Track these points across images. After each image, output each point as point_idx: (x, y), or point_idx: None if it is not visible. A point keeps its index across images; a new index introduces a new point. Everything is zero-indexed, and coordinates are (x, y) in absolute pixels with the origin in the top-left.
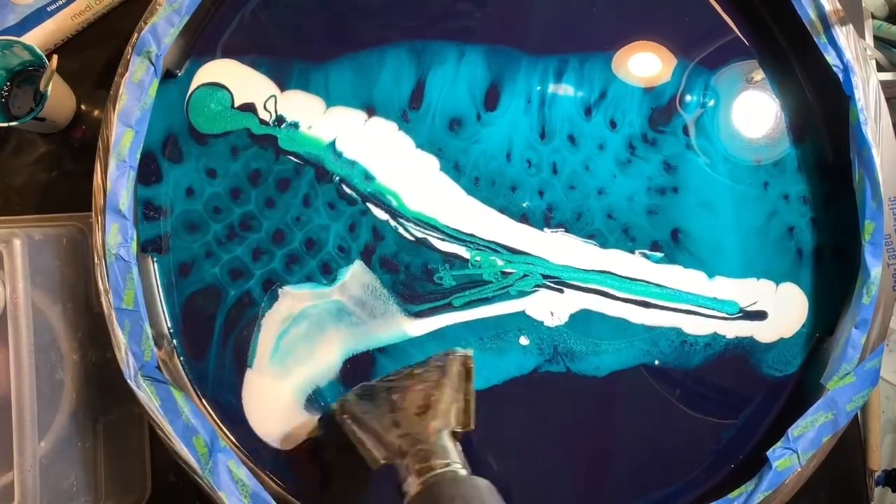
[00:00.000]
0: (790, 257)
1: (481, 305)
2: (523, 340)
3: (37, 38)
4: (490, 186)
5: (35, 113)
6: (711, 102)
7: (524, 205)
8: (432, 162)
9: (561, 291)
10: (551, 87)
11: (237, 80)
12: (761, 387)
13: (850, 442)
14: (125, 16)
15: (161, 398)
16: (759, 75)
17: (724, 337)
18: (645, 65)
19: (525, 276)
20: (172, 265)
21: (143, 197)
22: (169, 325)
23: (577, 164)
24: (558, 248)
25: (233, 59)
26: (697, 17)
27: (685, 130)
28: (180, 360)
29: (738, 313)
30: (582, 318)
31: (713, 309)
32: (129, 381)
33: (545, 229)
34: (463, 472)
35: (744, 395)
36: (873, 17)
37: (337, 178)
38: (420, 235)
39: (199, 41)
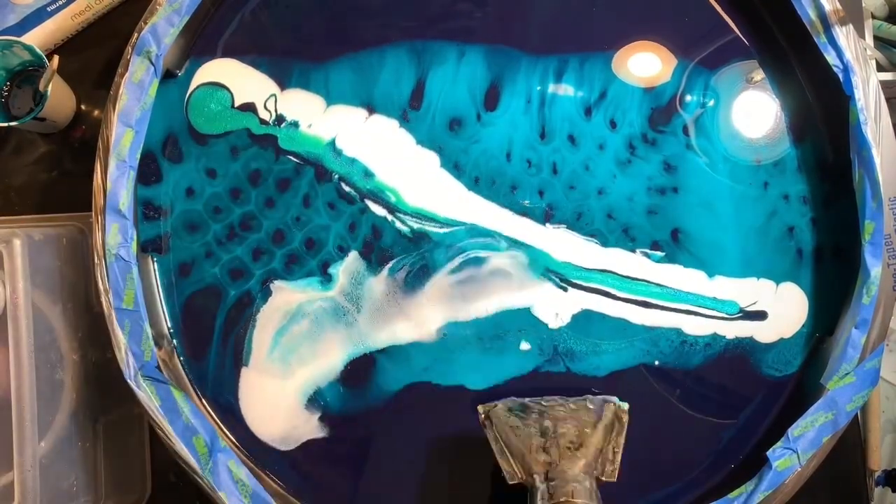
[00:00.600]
0: (790, 257)
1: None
2: (524, 346)
3: (37, 38)
4: (490, 186)
5: (35, 113)
6: (711, 102)
7: (525, 203)
8: (432, 158)
9: (565, 290)
10: (551, 87)
11: (237, 79)
12: (761, 387)
13: (850, 442)
14: (125, 16)
15: (161, 398)
16: (759, 75)
17: (724, 337)
18: (645, 65)
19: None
20: (172, 265)
21: (143, 197)
22: (169, 325)
23: (577, 164)
24: (560, 244)
25: (233, 58)
26: (697, 17)
27: (685, 130)
28: (180, 360)
29: (738, 313)
30: (582, 318)
31: (713, 309)
32: (129, 381)
33: (546, 224)
34: None
35: (744, 395)
36: (873, 17)
37: (336, 177)
38: (417, 227)
39: (199, 41)
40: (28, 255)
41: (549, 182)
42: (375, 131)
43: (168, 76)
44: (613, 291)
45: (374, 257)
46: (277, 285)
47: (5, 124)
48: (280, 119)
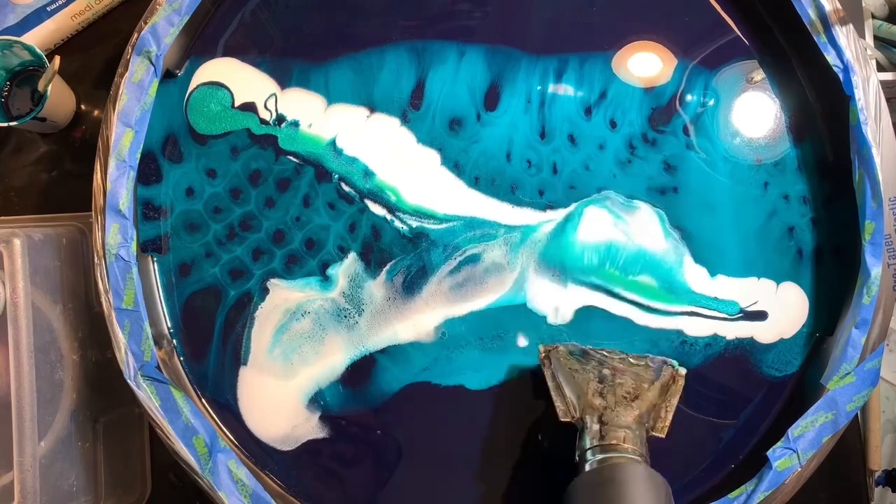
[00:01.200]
0: (790, 257)
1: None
2: (522, 343)
3: (37, 38)
4: (490, 186)
5: (35, 113)
6: (711, 102)
7: (525, 201)
8: (433, 157)
9: (564, 284)
10: (551, 87)
11: (237, 78)
12: (761, 387)
13: (850, 442)
14: (125, 16)
15: (161, 398)
16: (759, 75)
17: (724, 337)
18: (645, 65)
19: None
20: (172, 265)
21: (143, 197)
22: (169, 325)
23: (577, 163)
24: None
25: (233, 58)
26: (697, 17)
27: (685, 130)
28: (180, 360)
29: (739, 313)
30: (583, 318)
31: (714, 309)
32: (129, 381)
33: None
34: (649, 468)
35: (744, 395)
36: (873, 17)
37: (336, 177)
38: (416, 226)
39: (199, 41)
40: (28, 255)
41: (550, 182)
42: (376, 130)
43: (168, 76)
44: (616, 289)
45: (374, 258)
46: (277, 284)
47: (5, 124)
48: (280, 119)
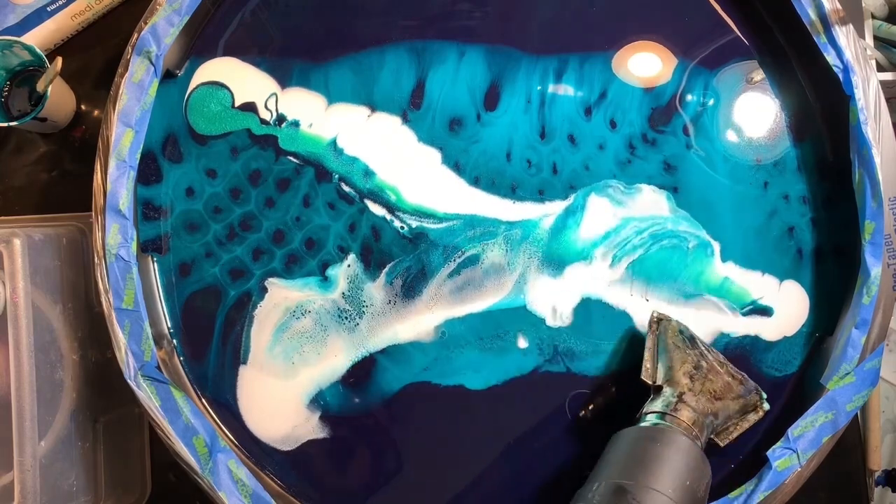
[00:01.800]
0: (790, 257)
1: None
2: (522, 343)
3: (37, 38)
4: (490, 186)
5: (35, 113)
6: (711, 102)
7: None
8: (434, 155)
9: (565, 282)
10: (551, 87)
11: (237, 78)
12: (761, 387)
13: (850, 442)
14: (125, 16)
15: (161, 398)
16: (759, 75)
17: (728, 335)
18: (645, 65)
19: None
20: (172, 265)
21: (143, 197)
22: (169, 325)
23: (577, 163)
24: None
25: (233, 57)
26: (697, 17)
27: (685, 130)
28: (180, 360)
29: (747, 306)
30: (583, 318)
31: (722, 299)
32: (129, 381)
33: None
34: (699, 449)
35: None
36: (873, 17)
37: (336, 177)
38: (416, 225)
39: (199, 41)
40: (28, 255)
41: (549, 182)
42: (376, 130)
43: (168, 76)
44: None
45: (374, 259)
46: (277, 284)
47: (5, 124)
48: (281, 119)
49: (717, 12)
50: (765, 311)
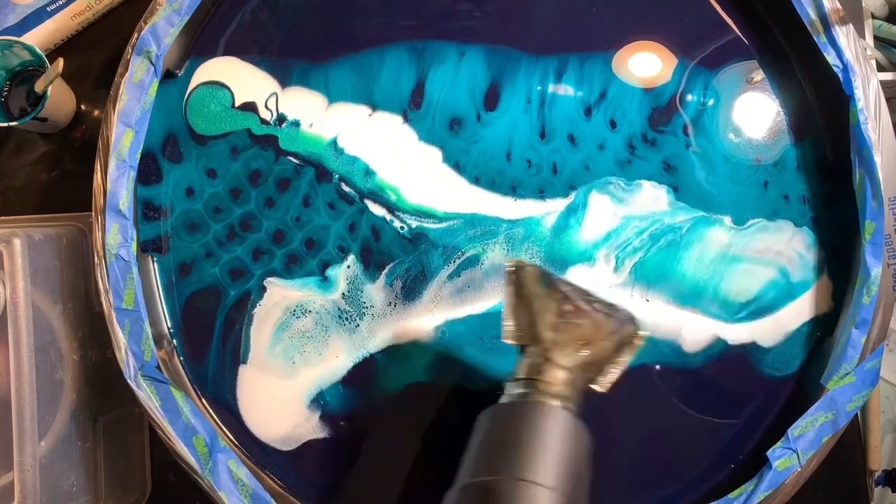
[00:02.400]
0: None
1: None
2: None
3: (37, 38)
4: (490, 185)
5: (35, 113)
6: (711, 102)
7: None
8: (435, 155)
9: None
10: (551, 87)
11: (237, 78)
12: (761, 387)
13: (850, 442)
14: (125, 16)
15: (161, 398)
16: (759, 75)
17: (726, 338)
18: (645, 65)
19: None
20: (172, 265)
21: (143, 197)
22: (169, 325)
23: (577, 163)
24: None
25: (233, 56)
26: (697, 17)
27: (685, 130)
28: (180, 360)
29: (747, 307)
30: None
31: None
32: (129, 381)
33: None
34: (571, 416)
35: (744, 394)
36: (873, 17)
37: (336, 177)
38: (416, 225)
39: (199, 41)
40: (28, 255)
41: (549, 182)
42: (377, 129)
43: (168, 76)
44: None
45: (374, 260)
46: (275, 283)
47: (5, 124)
48: (281, 119)
49: (717, 12)
50: (763, 312)
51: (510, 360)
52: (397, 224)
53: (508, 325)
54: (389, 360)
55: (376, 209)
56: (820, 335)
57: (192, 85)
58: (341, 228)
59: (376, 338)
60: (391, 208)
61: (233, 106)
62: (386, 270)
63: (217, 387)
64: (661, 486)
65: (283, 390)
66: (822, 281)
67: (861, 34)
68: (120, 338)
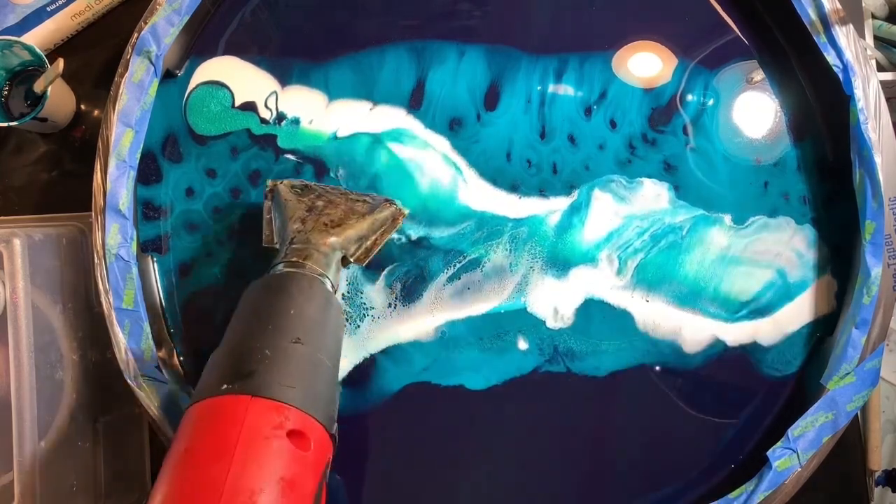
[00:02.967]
0: None
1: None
2: (522, 344)
3: (37, 38)
4: (492, 185)
5: (35, 113)
6: (711, 102)
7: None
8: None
9: (568, 282)
10: (551, 87)
11: (237, 77)
12: (761, 387)
13: (850, 442)
14: (125, 16)
15: (161, 398)
16: (759, 75)
17: (725, 336)
18: (645, 65)
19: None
20: (172, 265)
21: (143, 197)
22: (169, 325)
23: (578, 163)
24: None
25: (233, 56)
26: (697, 17)
27: (685, 130)
28: (180, 361)
29: (746, 307)
30: (584, 319)
31: (718, 306)
32: (129, 381)
33: (549, 197)
34: (330, 288)
35: (744, 394)
36: (873, 17)
37: (336, 174)
38: (417, 226)
39: (200, 41)
40: (28, 255)
41: (550, 182)
42: (377, 127)
43: (168, 76)
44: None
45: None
46: None
47: (5, 124)
48: (281, 117)
49: (717, 12)
50: (764, 312)
51: (511, 360)
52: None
53: (265, 233)
54: (389, 360)
55: None
56: (820, 335)
57: (192, 85)
58: None
59: (376, 339)
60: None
61: (233, 106)
62: (385, 272)
63: None
64: (661, 486)
65: None
66: (822, 281)
67: (861, 34)
68: (120, 338)
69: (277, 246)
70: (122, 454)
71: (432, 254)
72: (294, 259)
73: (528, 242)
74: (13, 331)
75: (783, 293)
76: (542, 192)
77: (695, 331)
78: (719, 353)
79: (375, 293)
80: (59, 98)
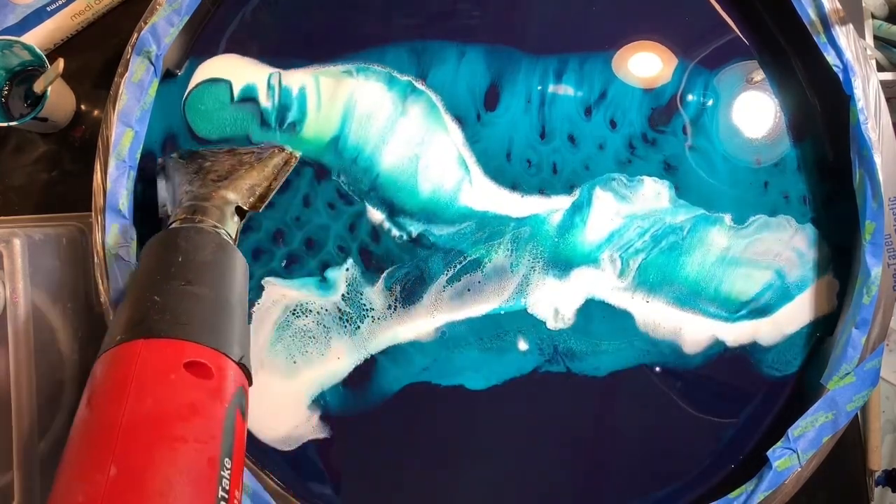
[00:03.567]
0: None
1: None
2: (522, 344)
3: (37, 37)
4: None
5: (35, 113)
6: (711, 102)
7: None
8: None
9: (569, 282)
10: (551, 87)
11: (238, 75)
12: (761, 386)
13: (850, 442)
14: (125, 16)
15: None
16: (759, 75)
17: (725, 336)
18: (645, 65)
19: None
20: None
21: (142, 197)
22: None
23: (578, 163)
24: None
25: (233, 54)
26: (697, 17)
27: (685, 130)
28: None
29: (746, 307)
30: (584, 320)
31: (718, 306)
32: None
33: (551, 196)
34: (227, 238)
35: (744, 394)
36: (873, 17)
37: (336, 177)
38: (417, 226)
39: (200, 41)
40: (28, 255)
41: (550, 182)
42: (378, 128)
43: (168, 76)
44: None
45: (373, 260)
46: (274, 283)
47: (5, 124)
48: (281, 119)
49: (717, 12)
50: (763, 312)
51: (511, 360)
52: (398, 225)
53: (160, 207)
54: (390, 360)
55: (377, 209)
56: (820, 335)
57: (192, 84)
58: (341, 229)
59: (377, 339)
60: (392, 209)
61: (232, 101)
62: (385, 273)
63: None
64: (661, 486)
65: (285, 391)
66: (822, 281)
67: (861, 34)
68: None
69: (165, 215)
70: None
71: (432, 254)
72: (183, 216)
73: (529, 243)
74: (13, 331)
75: (783, 293)
76: (543, 191)
77: (695, 331)
78: (719, 353)
79: (375, 294)
80: (58, 98)
